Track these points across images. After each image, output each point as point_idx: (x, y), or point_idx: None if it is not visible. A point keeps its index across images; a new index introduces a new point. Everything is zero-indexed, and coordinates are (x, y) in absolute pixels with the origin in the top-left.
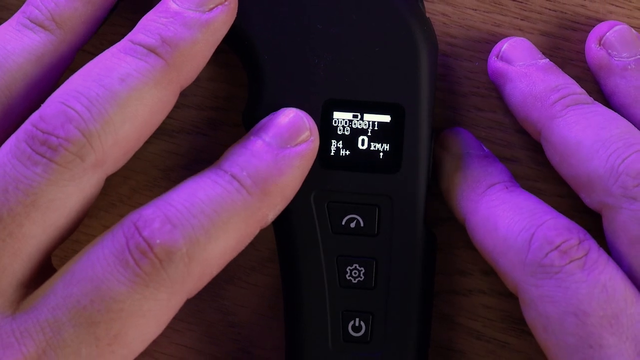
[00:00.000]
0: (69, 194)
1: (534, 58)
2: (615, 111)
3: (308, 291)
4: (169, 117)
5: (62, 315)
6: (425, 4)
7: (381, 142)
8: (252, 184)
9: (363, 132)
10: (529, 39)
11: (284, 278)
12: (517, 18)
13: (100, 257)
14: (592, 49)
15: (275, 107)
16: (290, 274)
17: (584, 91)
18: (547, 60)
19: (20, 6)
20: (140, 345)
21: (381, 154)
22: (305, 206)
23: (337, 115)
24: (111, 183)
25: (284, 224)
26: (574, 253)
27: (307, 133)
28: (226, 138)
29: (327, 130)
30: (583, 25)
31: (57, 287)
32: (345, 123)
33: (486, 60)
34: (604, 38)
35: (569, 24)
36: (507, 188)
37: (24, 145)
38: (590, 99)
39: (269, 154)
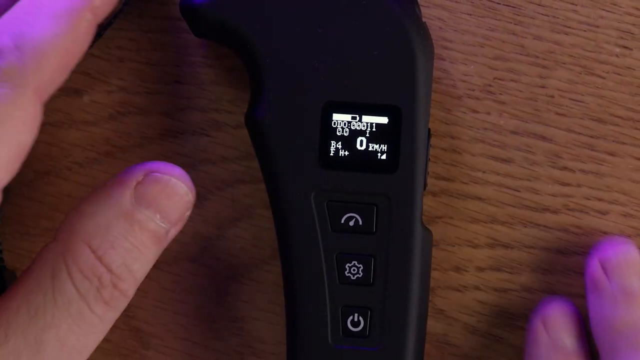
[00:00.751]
0: None
1: (630, 277)
2: None
3: (308, 287)
4: (173, 118)
5: None
6: (422, 9)
7: (379, 142)
8: None
9: (362, 133)
10: (522, 45)
11: (285, 275)
12: (511, 23)
13: None
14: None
15: (276, 108)
16: (291, 271)
17: None
18: None
19: None
20: (7, 149)
21: (379, 154)
22: (305, 205)
23: (336, 116)
24: None
25: (285, 222)
26: None
27: None
28: (228, 139)
29: (326, 132)
30: (575, 30)
31: None
32: (345, 124)
33: (481, 65)
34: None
35: (561, 28)
36: None
37: None
38: None
39: None
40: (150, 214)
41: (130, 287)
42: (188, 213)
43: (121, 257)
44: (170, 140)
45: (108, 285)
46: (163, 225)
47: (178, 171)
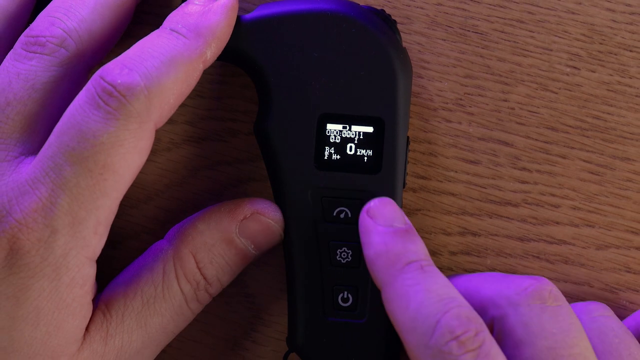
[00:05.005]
0: (59, 78)
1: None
2: None
3: (305, 269)
4: (196, 126)
5: (59, 159)
6: (405, 36)
7: (365, 148)
8: (187, 31)
9: (351, 140)
10: (488, 65)
11: (286, 259)
12: (479, 47)
13: (78, 108)
14: None
15: (280, 119)
16: (291, 256)
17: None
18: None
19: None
20: (127, 171)
21: (365, 158)
22: (304, 200)
23: (329, 126)
24: (149, 180)
25: (286, 214)
26: (470, 344)
27: None
28: (242, 144)
29: (321, 139)
30: (532, 53)
31: (52, 140)
32: (337, 133)
33: (453, 82)
34: None
35: (520, 51)
36: (422, 267)
37: (19, 51)
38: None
39: (197, 9)
40: (247, 243)
41: (217, 292)
42: (276, 243)
43: (215, 270)
44: (193, 145)
45: (202, 290)
46: (254, 252)
47: (278, 216)
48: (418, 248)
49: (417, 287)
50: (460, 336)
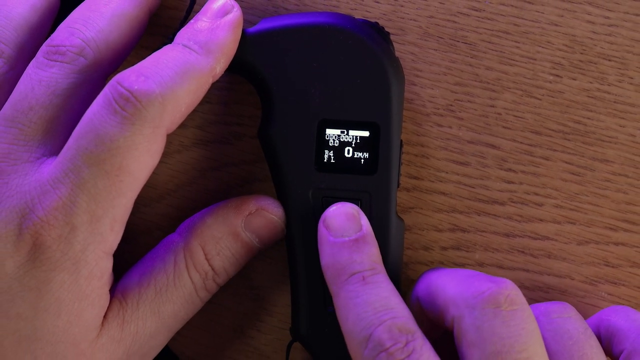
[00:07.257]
0: (78, 85)
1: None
2: None
3: (307, 264)
4: (204, 130)
5: (78, 161)
6: (399, 46)
7: (362, 151)
8: (198, 47)
9: (348, 144)
10: (476, 73)
11: (289, 255)
12: (468, 56)
13: (95, 113)
14: None
15: (282, 125)
16: (294, 252)
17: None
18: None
19: None
20: (141, 173)
21: (362, 160)
22: (305, 200)
23: (329, 131)
24: (161, 181)
25: (288, 213)
26: (399, 355)
27: (231, 7)
28: (247, 146)
29: (321, 143)
30: (517, 62)
31: (71, 143)
32: (335, 137)
33: (444, 89)
34: None
35: (507, 60)
36: (364, 279)
37: (41, 59)
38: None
39: (206, 25)
40: (252, 236)
41: (224, 281)
42: (279, 238)
43: (222, 262)
44: (202, 147)
45: (210, 279)
46: (258, 245)
47: (281, 212)
48: (364, 258)
49: (356, 300)
50: (389, 348)
